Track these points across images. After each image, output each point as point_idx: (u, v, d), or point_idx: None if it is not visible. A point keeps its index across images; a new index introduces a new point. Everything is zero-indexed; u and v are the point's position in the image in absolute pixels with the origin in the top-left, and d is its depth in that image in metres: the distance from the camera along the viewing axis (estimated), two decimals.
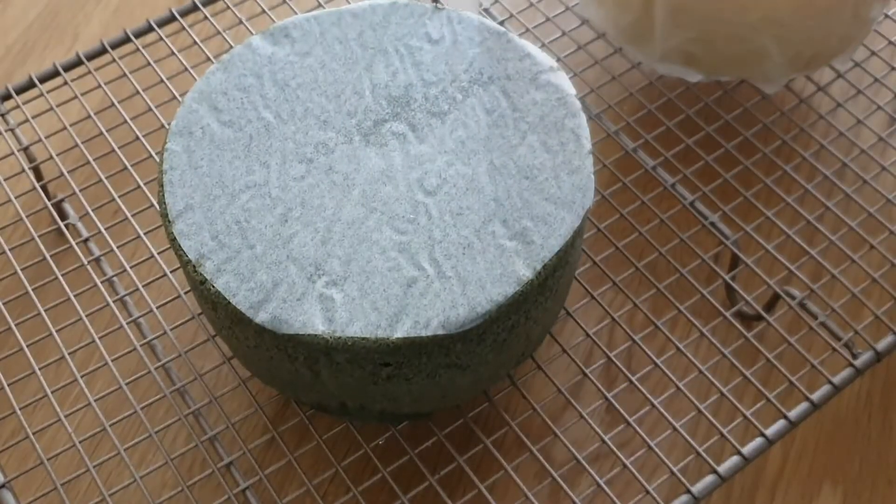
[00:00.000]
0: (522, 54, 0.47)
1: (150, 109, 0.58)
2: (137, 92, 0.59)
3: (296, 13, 0.63)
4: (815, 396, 0.47)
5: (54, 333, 0.49)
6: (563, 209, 0.42)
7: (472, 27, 0.48)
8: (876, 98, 0.65)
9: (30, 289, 0.51)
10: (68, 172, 0.55)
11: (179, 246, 0.41)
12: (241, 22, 0.62)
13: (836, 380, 0.48)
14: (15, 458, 0.54)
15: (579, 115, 0.45)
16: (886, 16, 0.65)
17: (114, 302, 0.51)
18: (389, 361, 0.40)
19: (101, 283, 0.52)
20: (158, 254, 0.52)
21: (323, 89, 0.46)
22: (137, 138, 0.57)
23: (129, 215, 0.53)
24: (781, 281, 0.58)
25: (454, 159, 0.43)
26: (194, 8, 0.62)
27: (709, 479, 0.45)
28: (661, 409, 0.47)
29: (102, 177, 0.55)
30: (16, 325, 0.50)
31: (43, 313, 0.50)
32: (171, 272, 0.51)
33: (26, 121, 0.57)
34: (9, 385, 0.48)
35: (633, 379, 0.48)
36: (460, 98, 0.45)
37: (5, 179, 0.55)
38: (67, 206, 0.57)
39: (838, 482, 0.53)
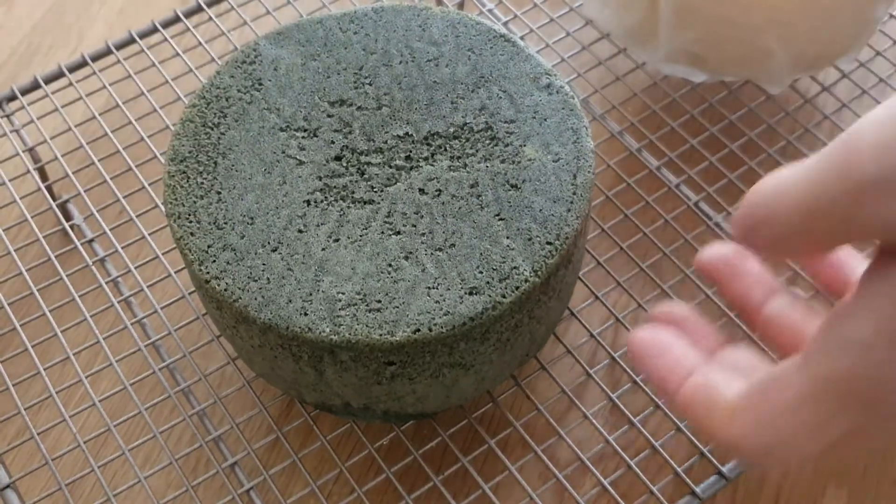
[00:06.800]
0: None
1: (155, 110, 0.58)
2: (142, 93, 0.59)
3: (301, 15, 0.63)
4: None
5: (59, 334, 0.49)
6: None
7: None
8: (881, 98, 0.65)
9: (34, 289, 0.51)
10: (73, 173, 0.55)
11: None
12: (245, 23, 0.62)
13: None
14: (20, 458, 0.54)
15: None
16: (891, 16, 0.65)
17: (118, 302, 0.51)
18: (393, 360, 0.40)
19: (106, 283, 0.52)
20: (163, 254, 0.52)
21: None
22: (142, 139, 0.57)
23: (133, 216, 0.54)
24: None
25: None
26: (199, 9, 0.63)
27: (713, 479, 0.45)
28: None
29: (107, 177, 0.55)
30: (21, 325, 0.50)
31: (48, 313, 0.50)
32: (175, 273, 0.51)
33: (31, 122, 0.58)
34: (14, 385, 0.48)
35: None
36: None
37: (10, 180, 0.55)
38: (72, 207, 0.57)
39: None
